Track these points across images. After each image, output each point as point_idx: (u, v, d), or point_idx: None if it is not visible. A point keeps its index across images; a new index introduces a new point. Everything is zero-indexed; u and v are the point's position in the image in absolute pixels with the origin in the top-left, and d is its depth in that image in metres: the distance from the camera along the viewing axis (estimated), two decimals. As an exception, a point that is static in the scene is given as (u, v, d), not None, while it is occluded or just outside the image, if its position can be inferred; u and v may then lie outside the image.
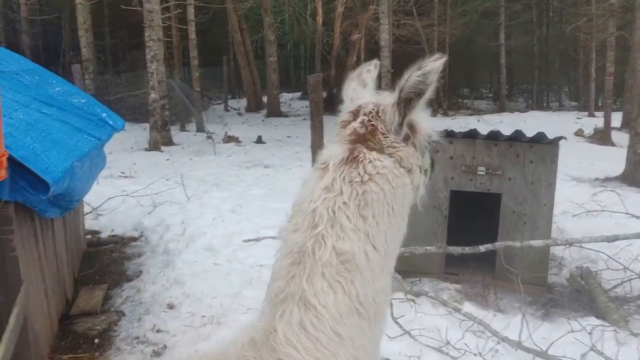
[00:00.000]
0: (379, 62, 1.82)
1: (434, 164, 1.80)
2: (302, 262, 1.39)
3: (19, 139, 3.68)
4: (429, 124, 1.61)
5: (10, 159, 3.21)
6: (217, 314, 4.90)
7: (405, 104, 1.51)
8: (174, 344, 4.46)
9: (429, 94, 1.48)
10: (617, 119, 19.36)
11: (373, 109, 1.58)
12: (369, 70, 1.77)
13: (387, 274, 1.51)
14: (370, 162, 1.49)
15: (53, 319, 4.68)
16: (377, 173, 1.48)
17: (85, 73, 16.95)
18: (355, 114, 1.60)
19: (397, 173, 1.52)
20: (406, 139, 1.57)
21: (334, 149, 1.54)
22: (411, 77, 1.46)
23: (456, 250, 5.40)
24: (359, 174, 1.47)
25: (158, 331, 4.69)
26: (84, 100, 6.13)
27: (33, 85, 5.16)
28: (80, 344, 4.56)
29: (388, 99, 1.58)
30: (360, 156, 1.50)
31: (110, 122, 6.20)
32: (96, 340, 4.60)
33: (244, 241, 6.67)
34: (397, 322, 4.36)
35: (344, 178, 1.46)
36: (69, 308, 5.23)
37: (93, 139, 5.22)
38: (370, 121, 1.56)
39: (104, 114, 6.19)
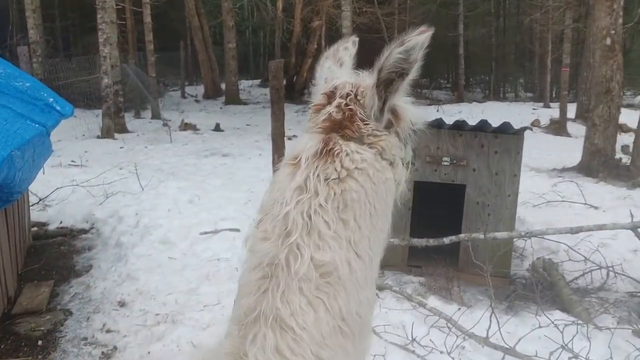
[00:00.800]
0: (357, 38, 1.61)
1: (415, 155, 1.61)
2: (274, 276, 1.18)
3: (-51, 125, 3.34)
4: (415, 109, 1.41)
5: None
6: (172, 312, 4.64)
7: (386, 86, 1.30)
8: (124, 345, 4.18)
9: (413, 73, 1.28)
10: (571, 109, 19.74)
11: (351, 91, 1.36)
12: (347, 48, 1.55)
13: (372, 283, 1.32)
14: (347, 155, 1.28)
15: (-7, 320, 4.34)
16: (356, 168, 1.28)
17: (33, 56, 16.14)
18: (331, 96, 1.39)
19: (379, 167, 1.32)
20: (388, 127, 1.37)
21: (306, 140, 1.33)
22: (392, 54, 1.25)
23: (420, 242, 5.28)
24: (335, 169, 1.26)
25: (108, 331, 4.39)
26: (28, 84, 5.74)
27: (-31, 67, 4.76)
28: (21, 346, 4.22)
29: (368, 79, 1.37)
30: (336, 148, 1.29)
31: (58, 108, 5.83)
32: (40, 342, 4.27)
33: (201, 234, 6.40)
34: (361, 319, 4.20)
35: (318, 175, 1.25)
36: (11, 307, 4.87)
37: (37, 125, 4.86)
38: (348, 105, 1.35)
39: (51, 99, 5.82)
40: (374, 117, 1.34)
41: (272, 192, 1.31)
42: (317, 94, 1.45)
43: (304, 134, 1.38)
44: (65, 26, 26.83)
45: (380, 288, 4.97)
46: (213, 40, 27.03)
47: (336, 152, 1.28)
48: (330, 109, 1.36)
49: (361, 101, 1.35)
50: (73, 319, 4.65)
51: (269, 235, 1.23)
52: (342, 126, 1.33)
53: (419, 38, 1.24)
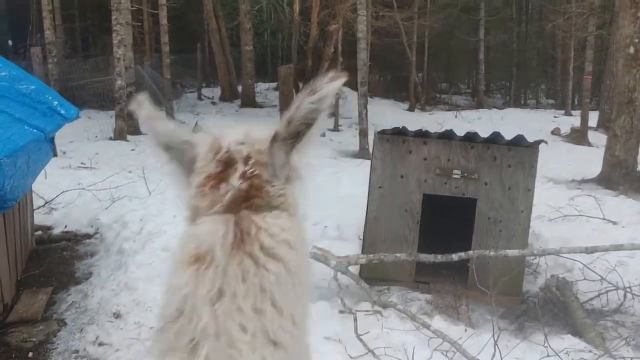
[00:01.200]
0: (146, 96, 1.37)
1: None
2: None
3: None
4: (302, 153, 1.17)
5: None
6: (167, 325, 4.49)
7: (295, 139, 1.12)
8: (115, 359, 4.05)
9: (319, 123, 1.10)
10: (593, 118, 19.29)
11: (250, 153, 1.14)
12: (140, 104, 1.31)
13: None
14: (265, 231, 1.07)
15: (-15, 329, 4.25)
16: (277, 242, 1.07)
17: (49, 57, 16.16)
18: (228, 163, 1.14)
19: (295, 228, 1.12)
20: (287, 180, 1.18)
21: (209, 227, 1.07)
22: (303, 104, 1.08)
23: (428, 258, 5.09)
24: (252, 257, 1.04)
25: (100, 344, 4.27)
26: (33, 87, 5.67)
27: (-30, 70, 4.69)
28: (12, 357, 4.13)
29: (256, 132, 1.17)
30: (252, 229, 1.06)
31: (62, 111, 5.75)
32: (30, 354, 4.17)
33: (204, 242, 6.24)
34: (361, 340, 4.02)
35: (235, 275, 1.01)
36: (7, 314, 4.77)
37: (34, 130, 4.76)
38: (254, 171, 1.13)
39: (55, 102, 5.75)
40: (277, 174, 1.15)
41: (173, 300, 1.04)
42: (198, 161, 1.17)
43: (203, 218, 1.11)
44: (85, 26, 26.97)
45: (384, 306, 4.78)
46: (230, 42, 26.97)
47: (253, 234, 1.06)
48: (234, 180, 1.12)
49: (262, 161, 1.14)
50: (66, 330, 4.54)
51: (175, 346, 1.00)
52: (248, 197, 1.11)
53: (331, 87, 1.07)
